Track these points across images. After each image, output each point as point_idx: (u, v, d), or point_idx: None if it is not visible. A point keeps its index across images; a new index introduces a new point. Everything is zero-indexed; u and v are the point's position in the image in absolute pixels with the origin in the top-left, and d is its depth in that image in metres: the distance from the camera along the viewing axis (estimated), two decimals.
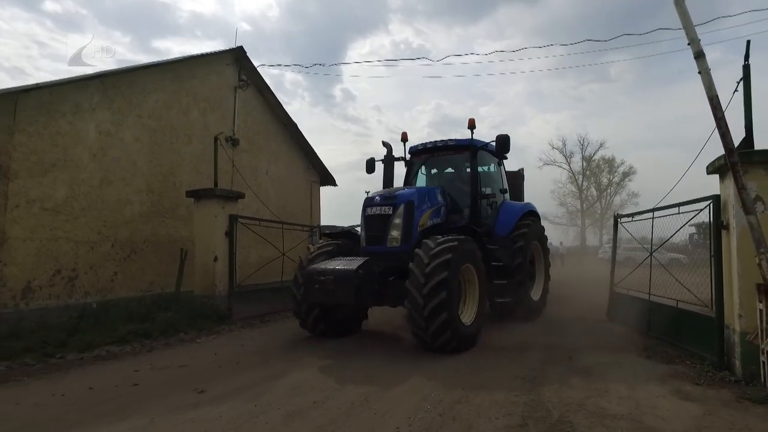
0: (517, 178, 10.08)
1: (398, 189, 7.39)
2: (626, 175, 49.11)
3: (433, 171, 8.93)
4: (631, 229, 8.30)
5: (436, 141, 8.54)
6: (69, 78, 7.96)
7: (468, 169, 8.17)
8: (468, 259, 6.33)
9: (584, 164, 50.22)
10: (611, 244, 9.94)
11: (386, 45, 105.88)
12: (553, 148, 53.77)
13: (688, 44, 4.59)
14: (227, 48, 11.90)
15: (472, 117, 8.09)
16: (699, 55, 4.54)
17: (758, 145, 4.72)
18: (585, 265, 26.39)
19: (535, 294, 8.89)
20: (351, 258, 6.71)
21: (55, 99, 7.69)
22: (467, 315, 6.38)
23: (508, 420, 3.54)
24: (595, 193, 51.02)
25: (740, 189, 4.29)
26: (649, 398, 4.06)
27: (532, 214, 9.02)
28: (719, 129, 4.43)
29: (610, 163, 49.83)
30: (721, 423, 3.47)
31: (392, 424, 3.49)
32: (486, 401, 3.99)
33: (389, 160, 8.59)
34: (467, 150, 8.06)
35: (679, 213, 6.08)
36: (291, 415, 3.72)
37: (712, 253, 5.20)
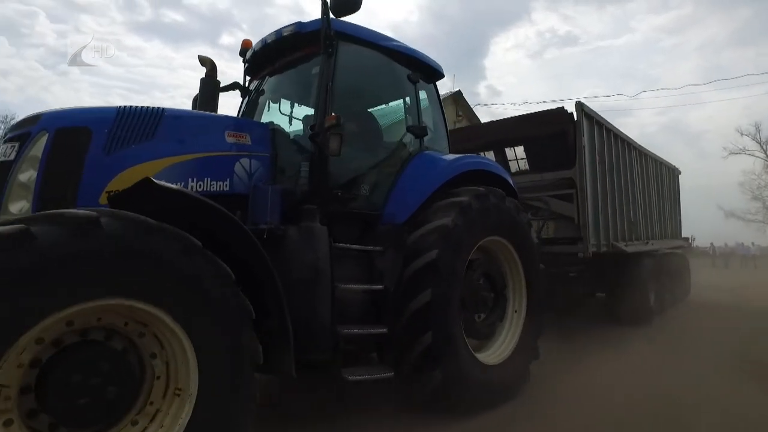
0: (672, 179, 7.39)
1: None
2: None
3: (280, 100, 4.61)
4: None
5: (266, 36, 4.25)
6: None
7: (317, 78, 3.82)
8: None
9: None
10: None
11: (531, 36, 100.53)
12: (742, 134, 41.76)
13: None
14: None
15: None
16: None
17: None
18: None
19: (496, 353, 4.23)
20: None
21: None
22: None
23: None
24: None
25: None
26: None
27: (486, 180, 4.42)
28: None
29: None
30: None
31: None
32: None
33: (209, 86, 4.43)
34: (314, 42, 3.72)
35: None
36: None
37: None
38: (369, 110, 4.54)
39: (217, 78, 4.49)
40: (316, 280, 3.16)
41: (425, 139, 4.40)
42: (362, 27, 4.03)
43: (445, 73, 4.82)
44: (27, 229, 1.75)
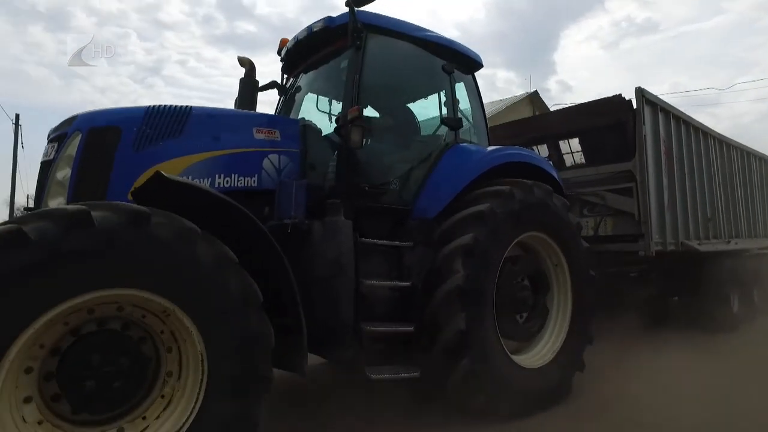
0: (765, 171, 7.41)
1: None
2: None
3: (315, 96, 4.59)
4: None
5: (299, 33, 4.26)
6: None
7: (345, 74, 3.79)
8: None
9: None
10: None
11: (604, 26, 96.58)
12: None
13: None
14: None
15: None
16: None
17: None
18: None
19: (536, 357, 3.96)
20: None
21: None
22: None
23: None
24: None
25: None
26: None
27: (531, 176, 4.13)
28: None
29: None
30: None
31: None
32: None
33: (248, 86, 4.56)
34: (344, 35, 3.68)
35: None
36: None
37: None
38: (404, 103, 4.42)
39: (256, 78, 4.61)
40: (338, 275, 3.11)
41: (462, 131, 4.23)
42: (392, 18, 3.95)
43: (483, 63, 4.62)
44: (19, 228, 1.85)
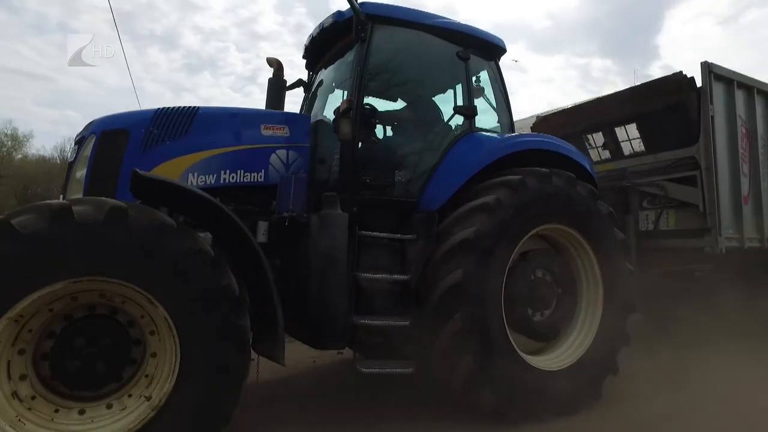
0: None
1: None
2: None
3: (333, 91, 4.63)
4: None
5: (314, 29, 4.32)
6: None
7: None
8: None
9: None
10: None
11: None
12: None
13: None
14: None
15: None
16: None
17: None
18: None
19: (558, 358, 3.68)
20: None
21: None
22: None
23: None
24: None
25: None
26: None
27: (554, 161, 3.83)
28: None
29: None
30: None
31: None
32: None
33: (276, 85, 4.75)
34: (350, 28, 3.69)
35: None
36: None
37: None
38: (419, 93, 4.31)
39: (284, 78, 4.77)
40: (331, 268, 3.13)
41: (482, 120, 4.04)
42: (400, 7, 3.88)
43: (506, 47, 4.35)
44: (7, 221, 2.08)
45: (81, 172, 3.11)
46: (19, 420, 2.18)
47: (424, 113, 4.20)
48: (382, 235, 3.46)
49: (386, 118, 4.11)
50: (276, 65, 4.66)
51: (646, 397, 3.76)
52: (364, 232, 3.37)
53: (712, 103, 5.08)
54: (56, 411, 2.27)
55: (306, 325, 3.21)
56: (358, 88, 3.59)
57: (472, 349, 3.14)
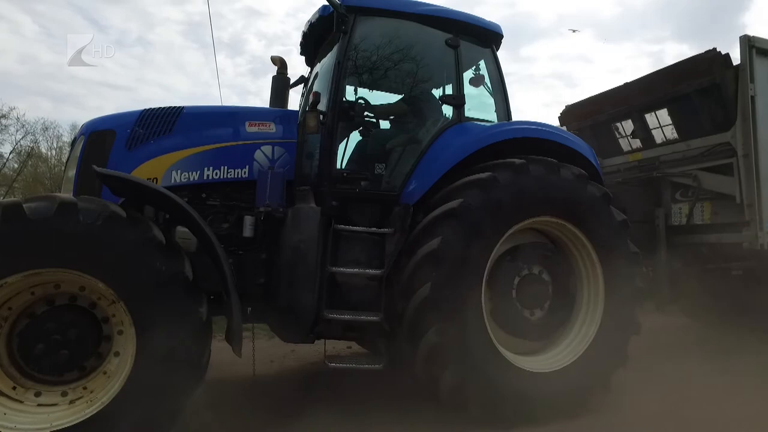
0: None
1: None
2: None
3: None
4: None
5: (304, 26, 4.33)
6: None
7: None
8: None
9: None
10: None
11: None
12: None
13: None
14: None
15: None
16: None
17: None
18: None
19: (554, 359, 3.46)
20: None
21: None
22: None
23: None
24: None
25: None
26: None
27: (548, 148, 3.60)
28: None
29: None
30: None
31: None
32: None
33: (280, 83, 4.85)
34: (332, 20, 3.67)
35: None
36: None
37: None
38: (409, 84, 4.19)
39: (287, 75, 4.85)
40: (300, 261, 3.13)
41: (472, 109, 3.88)
42: None
43: (503, 33, 4.14)
44: None
45: (72, 172, 3.33)
46: None
47: (414, 104, 4.08)
48: (359, 229, 3.40)
49: (376, 111, 4.04)
50: (279, 63, 4.73)
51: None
52: (340, 226, 3.34)
53: (753, 81, 4.54)
54: (13, 388, 2.44)
55: (277, 319, 3.23)
56: (338, 81, 3.57)
57: (452, 361, 3.02)
